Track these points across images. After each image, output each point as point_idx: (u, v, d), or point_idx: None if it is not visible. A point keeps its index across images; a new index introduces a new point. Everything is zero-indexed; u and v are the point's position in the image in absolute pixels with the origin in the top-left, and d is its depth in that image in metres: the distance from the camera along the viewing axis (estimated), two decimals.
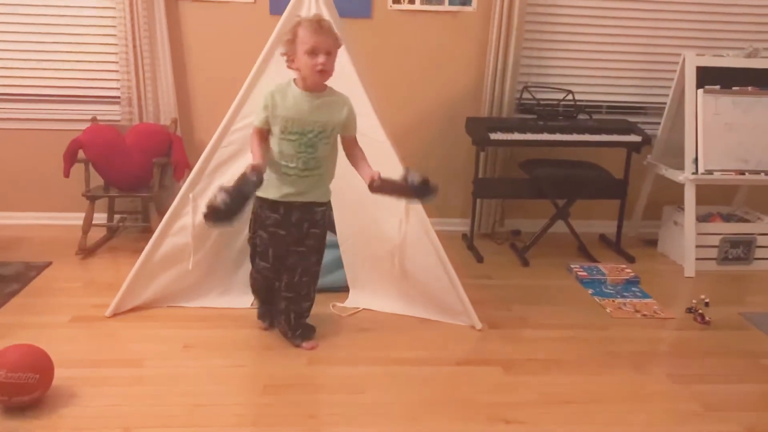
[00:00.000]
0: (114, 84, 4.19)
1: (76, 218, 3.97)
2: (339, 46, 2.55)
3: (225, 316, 3.10)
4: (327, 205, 2.77)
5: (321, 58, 2.43)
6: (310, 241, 2.72)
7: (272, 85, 2.59)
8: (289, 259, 2.74)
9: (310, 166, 2.59)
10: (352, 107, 2.63)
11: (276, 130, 2.55)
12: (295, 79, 2.56)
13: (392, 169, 3.01)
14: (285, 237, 2.70)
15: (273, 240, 2.72)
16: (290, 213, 2.66)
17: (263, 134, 2.58)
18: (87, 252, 3.86)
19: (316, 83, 2.52)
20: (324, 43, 2.44)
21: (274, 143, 2.58)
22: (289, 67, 2.54)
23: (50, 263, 3.68)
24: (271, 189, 2.62)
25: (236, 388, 2.54)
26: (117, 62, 4.12)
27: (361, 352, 2.84)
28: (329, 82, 2.62)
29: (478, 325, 3.05)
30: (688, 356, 2.94)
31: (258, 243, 2.78)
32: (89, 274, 3.63)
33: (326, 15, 3.01)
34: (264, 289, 2.90)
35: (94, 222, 3.89)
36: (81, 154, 3.81)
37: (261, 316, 3.01)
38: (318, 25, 2.45)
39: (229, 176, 3.05)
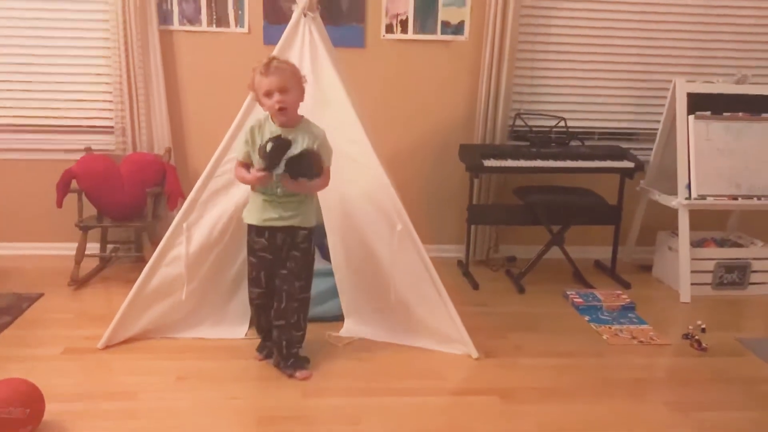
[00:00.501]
0: (108, 114, 4.19)
1: (69, 248, 3.94)
2: (298, 80, 2.65)
3: (218, 347, 3.07)
4: (311, 231, 2.80)
5: (276, 97, 2.58)
6: (291, 264, 2.77)
7: (252, 120, 2.75)
8: (275, 282, 2.80)
9: (288, 193, 2.69)
10: (325, 139, 2.72)
11: (256, 161, 2.65)
12: (271, 116, 2.69)
13: (384, 195, 3.04)
14: (272, 261, 2.79)
15: (262, 264, 2.81)
16: (275, 237, 2.76)
17: (246, 167, 2.73)
18: (79, 283, 3.83)
19: (281, 122, 2.64)
20: (275, 83, 2.57)
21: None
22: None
23: (42, 294, 3.65)
24: (255, 214, 2.75)
25: (230, 420, 2.50)
26: (111, 92, 4.12)
27: (356, 382, 2.81)
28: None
29: (475, 354, 3.03)
30: (685, 383, 2.92)
31: (249, 270, 2.85)
32: (81, 305, 3.59)
33: (319, 44, 3.07)
34: (263, 317, 2.90)
35: (86, 252, 3.87)
36: (74, 184, 3.80)
37: (260, 347, 3.00)
38: (266, 67, 2.58)
39: (223, 205, 3.06)
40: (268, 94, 2.59)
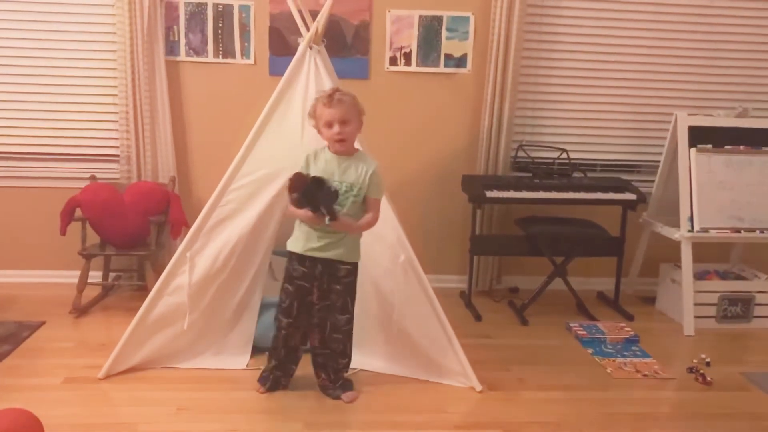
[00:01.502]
0: (113, 143, 4.22)
1: (71, 276, 3.94)
2: (359, 113, 2.73)
3: (219, 377, 3.05)
4: (355, 266, 2.84)
5: (336, 128, 2.65)
6: (333, 296, 2.81)
7: (309, 149, 2.80)
8: (317, 315, 2.84)
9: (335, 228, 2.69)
10: (376, 171, 2.75)
11: None
12: (328, 144, 2.76)
13: (388, 225, 3.04)
14: (309, 290, 2.81)
15: (298, 293, 2.81)
16: (315, 266, 2.78)
17: None
18: (81, 311, 3.82)
19: (337, 151, 2.72)
20: (336, 114, 2.65)
21: None
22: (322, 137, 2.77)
23: (43, 323, 3.63)
24: (299, 242, 2.78)
25: None
26: (117, 121, 4.16)
27: (357, 415, 2.78)
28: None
29: (478, 387, 3.00)
30: (690, 418, 2.89)
31: (283, 298, 2.85)
32: (83, 334, 3.58)
33: (324, 76, 3.10)
34: (284, 348, 2.90)
35: (89, 280, 3.87)
36: (78, 212, 3.82)
37: (263, 379, 2.97)
38: (329, 99, 2.66)
39: (226, 235, 3.06)
40: (329, 124, 2.67)
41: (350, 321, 2.87)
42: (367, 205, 2.76)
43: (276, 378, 2.94)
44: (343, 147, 2.71)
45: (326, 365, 2.90)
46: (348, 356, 2.93)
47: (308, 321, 2.87)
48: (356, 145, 2.82)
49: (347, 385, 2.93)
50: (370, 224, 2.79)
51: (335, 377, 2.91)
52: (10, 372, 3.07)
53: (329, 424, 2.71)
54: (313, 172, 2.68)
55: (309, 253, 2.75)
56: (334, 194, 2.62)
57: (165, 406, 2.78)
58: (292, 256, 2.81)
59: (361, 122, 2.76)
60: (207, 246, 3.07)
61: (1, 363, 3.13)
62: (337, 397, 2.88)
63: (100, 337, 3.50)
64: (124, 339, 3.03)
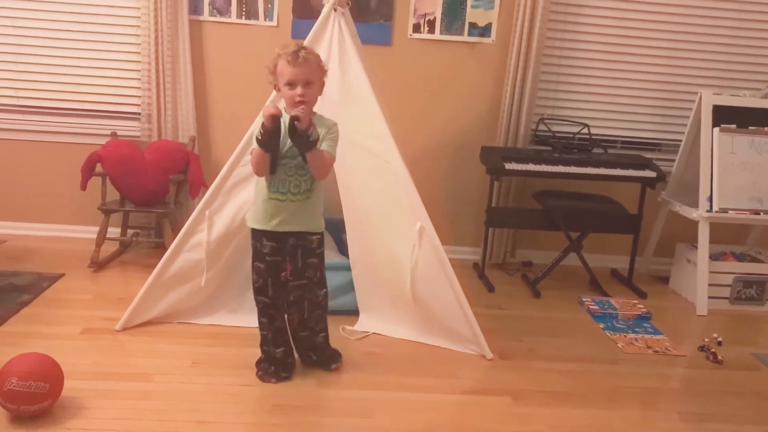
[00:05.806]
0: (135, 100, 4.24)
1: (90, 232, 4.01)
2: (322, 73, 2.55)
3: (234, 334, 3.10)
4: (321, 236, 2.70)
5: (298, 90, 2.45)
6: (309, 272, 2.69)
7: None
8: (293, 294, 2.71)
9: (301, 189, 2.57)
10: (332, 128, 2.57)
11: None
12: (286, 107, 2.56)
13: (405, 193, 3.04)
14: (282, 264, 2.66)
15: (270, 269, 2.66)
16: (285, 241, 2.63)
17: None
18: (99, 265, 3.87)
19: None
20: (300, 75, 2.45)
21: None
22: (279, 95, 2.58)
23: (63, 275, 3.70)
24: (262, 220, 2.61)
25: (244, 407, 2.52)
26: (139, 79, 4.18)
27: (369, 376, 2.82)
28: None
29: (489, 355, 3.03)
30: (699, 394, 2.90)
31: (255, 278, 2.69)
32: (100, 287, 3.64)
33: (348, 40, 3.09)
34: (274, 330, 2.76)
35: (107, 236, 3.92)
36: (99, 167, 3.85)
37: (275, 370, 2.76)
38: (294, 56, 2.45)
39: (245, 195, 3.08)
40: (291, 84, 2.46)
41: (327, 295, 2.78)
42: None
43: (288, 363, 2.81)
44: (301, 110, 2.45)
45: (313, 347, 2.82)
46: (325, 330, 2.83)
47: (284, 299, 2.72)
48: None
49: (336, 357, 2.88)
50: (323, 166, 2.53)
51: (322, 355, 2.84)
52: (30, 320, 3.14)
53: (341, 382, 2.75)
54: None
55: (278, 228, 2.59)
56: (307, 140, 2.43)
57: (180, 359, 2.84)
58: (256, 233, 2.64)
59: (323, 84, 2.57)
60: (226, 205, 3.09)
61: (21, 311, 3.20)
62: (328, 369, 2.84)
63: (118, 291, 3.56)
64: (141, 292, 3.08)
